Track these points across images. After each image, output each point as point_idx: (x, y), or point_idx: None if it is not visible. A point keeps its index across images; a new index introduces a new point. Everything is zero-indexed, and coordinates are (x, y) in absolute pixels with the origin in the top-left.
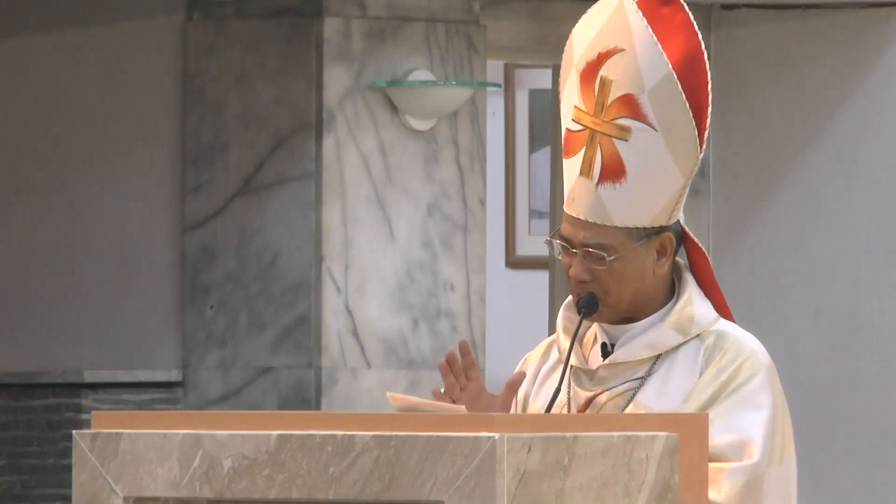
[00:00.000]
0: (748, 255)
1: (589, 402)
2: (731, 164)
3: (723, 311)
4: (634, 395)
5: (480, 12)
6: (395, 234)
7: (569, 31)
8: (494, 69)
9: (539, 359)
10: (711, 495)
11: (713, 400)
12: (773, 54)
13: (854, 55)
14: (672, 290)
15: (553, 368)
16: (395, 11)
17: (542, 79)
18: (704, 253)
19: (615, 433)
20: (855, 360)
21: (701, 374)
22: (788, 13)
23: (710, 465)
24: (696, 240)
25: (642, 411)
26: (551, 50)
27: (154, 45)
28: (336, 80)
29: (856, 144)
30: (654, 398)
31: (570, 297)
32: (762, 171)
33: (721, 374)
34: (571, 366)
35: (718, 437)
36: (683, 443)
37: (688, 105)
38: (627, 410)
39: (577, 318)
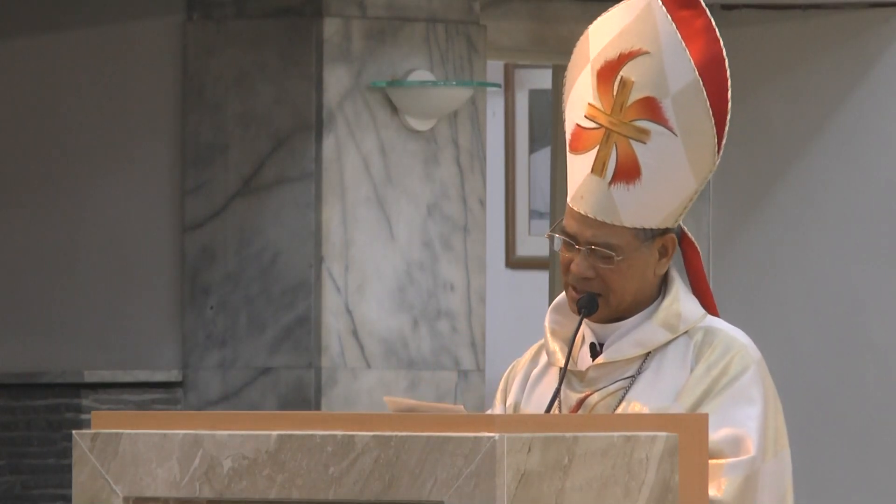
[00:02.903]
0: (748, 256)
1: (580, 403)
2: (731, 164)
3: (711, 308)
4: (626, 394)
5: (480, 12)
6: (395, 234)
7: (569, 31)
8: (494, 69)
9: (527, 364)
10: (711, 493)
11: (705, 395)
12: (773, 54)
13: (854, 55)
14: (659, 289)
15: (543, 372)
16: (395, 11)
17: (542, 79)
18: (698, 251)
19: (615, 433)
20: (855, 361)
21: (691, 370)
22: (788, 13)
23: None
24: (691, 237)
25: (635, 410)
26: (551, 50)
27: (154, 45)
28: (336, 80)
29: (856, 144)
30: (646, 396)
31: (557, 299)
32: (762, 171)
33: (712, 370)
34: (560, 367)
35: (714, 432)
36: (683, 443)
37: (711, 112)
38: (619, 410)
39: (564, 320)
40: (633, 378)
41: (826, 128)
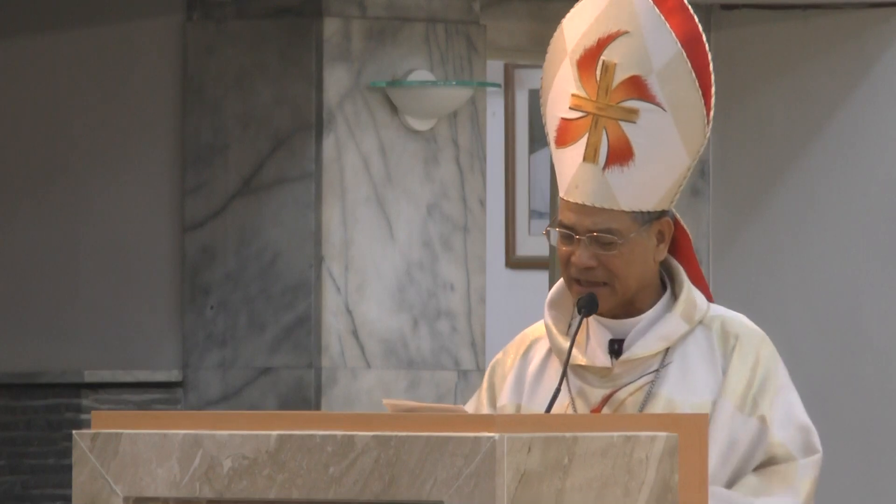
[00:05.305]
0: (748, 255)
1: (605, 400)
2: (731, 164)
3: (707, 293)
4: (652, 388)
5: (480, 12)
6: (395, 234)
7: None
8: (494, 69)
9: (517, 363)
10: (788, 499)
11: (749, 388)
12: (773, 54)
13: (854, 55)
14: (661, 278)
15: (542, 369)
16: (395, 11)
17: None
18: (689, 237)
19: (615, 433)
20: (855, 360)
21: (723, 365)
22: (788, 13)
23: (777, 467)
24: (683, 224)
25: (669, 405)
26: None
27: (154, 45)
28: (336, 80)
29: (856, 144)
30: (677, 391)
31: (552, 294)
32: (762, 171)
33: (745, 364)
34: (573, 364)
35: (780, 429)
36: (683, 443)
37: (697, 83)
38: (649, 405)
39: (562, 315)
40: (657, 372)
41: (826, 128)
